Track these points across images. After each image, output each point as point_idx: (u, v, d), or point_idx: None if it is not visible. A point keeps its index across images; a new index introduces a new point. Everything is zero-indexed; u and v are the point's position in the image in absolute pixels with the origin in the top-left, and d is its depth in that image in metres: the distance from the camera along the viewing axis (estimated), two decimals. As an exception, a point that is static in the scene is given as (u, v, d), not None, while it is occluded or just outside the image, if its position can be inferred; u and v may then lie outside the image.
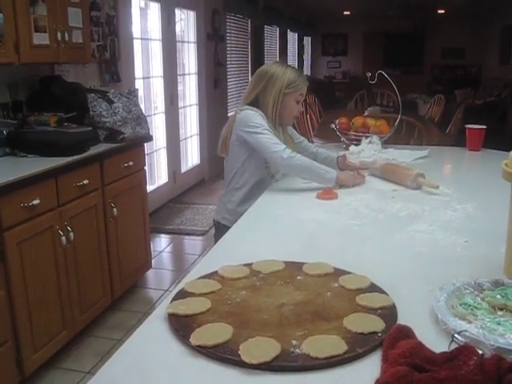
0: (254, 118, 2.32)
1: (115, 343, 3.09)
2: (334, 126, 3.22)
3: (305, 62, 15.21)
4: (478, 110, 9.10)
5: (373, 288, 1.23)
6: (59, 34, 3.17)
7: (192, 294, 1.21)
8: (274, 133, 2.34)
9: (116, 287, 3.42)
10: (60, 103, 3.36)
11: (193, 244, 4.89)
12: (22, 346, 2.55)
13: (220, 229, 2.43)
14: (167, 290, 3.87)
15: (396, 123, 3.17)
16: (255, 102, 2.41)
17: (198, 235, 4.98)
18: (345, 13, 13.81)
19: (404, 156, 2.85)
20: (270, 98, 2.37)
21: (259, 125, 2.30)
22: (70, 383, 2.77)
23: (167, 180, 6.04)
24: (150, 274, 4.10)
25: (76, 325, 2.99)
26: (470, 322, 1.04)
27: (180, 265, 4.51)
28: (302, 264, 1.37)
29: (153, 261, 4.09)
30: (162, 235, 5.04)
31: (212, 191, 6.52)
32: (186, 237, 4.99)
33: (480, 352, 0.91)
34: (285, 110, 2.42)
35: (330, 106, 9.93)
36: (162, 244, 4.87)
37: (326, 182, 2.24)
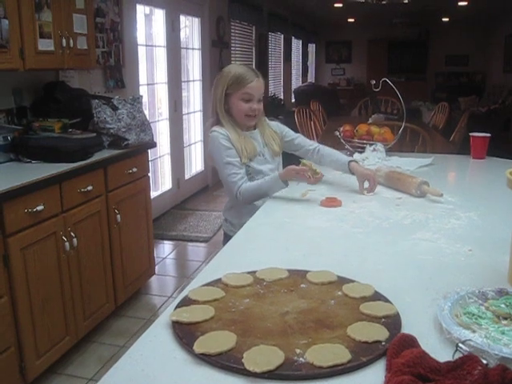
0: (218, 146, 2.29)
1: (118, 349, 3.09)
2: (338, 133, 3.22)
3: (309, 69, 15.25)
4: (483, 117, 9.11)
5: (377, 296, 1.22)
6: (64, 41, 3.18)
7: (196, 302, 1.21)
8: (238, 149, 2.30)
9: (119, 293, 3.42)
10: (64, 109, 3.38)
11: (196, 250, 4.89)
12: (25, 352, 2.55)
13: (227, 239, 2.44)
14: (170, 296, 3.87)
15: (400, 131, 3.17)
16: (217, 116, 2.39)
17: (202, 242, 4.98)
18: (349, 20, 13.85)
19: (408, 164, 2.84)
20: (217, 101, 2.33)
21: (220, 156, 2.28)
22: (73, 389, 2.77)
23: (171, 186, 6.05)
24: (154, 280, 4.10)
25: (79, 331, 2.99)
26: (474, 332, 1.04)
27: (183, 271, 4.51)
28: (305, 272, 1.36)
29: (156, 267, 4.09)
30: (166, 241, 5.04)
31: (216, 198, 6.52)
32: (190, 243, 4.99)
33: (484, 362, 0.91)
34: (233, 111, 2.35)
35: (334, 113, 9.94)
36: (165, 250, 4.87)
37: (278, 187, 2.23)
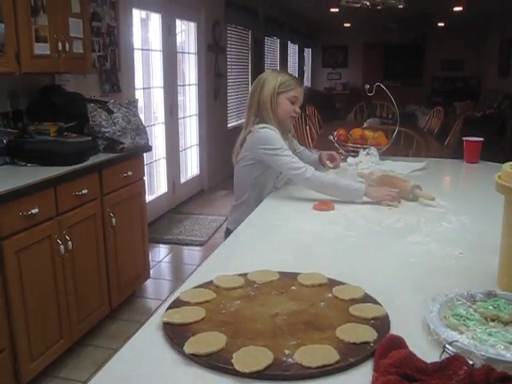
0: (274, 138, 2.36)
1: (113, 353, 3.07)
2: (332, 137, 3.24)
3: (305, 74, 15.27)
4: (478, 122, 9.14)
5: (366, 298, 1.24)
6: (60, 44, 3.19)
7: (187, 303, 1.22)
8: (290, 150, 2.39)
9: (114, 296, 3.42)
10: (60, 113, 3.38)
11: (191, 254, 4.89)
12: (20, 355, 2.55)
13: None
14: (165, 299, 3.85)
15: (394, 135, 3.19)
16: (260, 113, 2.44)
17: (197, 245, 4.99)
18: (345, 25, 13.88)
19: (401, 168, 2.86)
20: (267, 98, 2.41)
21: (279, 146, 2.34)
22: (67, 392, 2.77)
23: (166, 190, 6.05)
24: (149, 283, 4.10)
25: (74, 334, 2.99)
26: (461, 333, 1.05)
27: (178, 275, 4.51)
28: (296, 274, 1.37)
29: (151, 271, 4.09)
30: (161, 245, 5.04)
31: (211, 202, 6.53)
32: (185, 247, 5.00)
33: (470, 362, 0.92)
34: (279, 109, 2.44)
35: (331, 117, 9.94)
36: (160, 254, 4.87)
37: (353, 198, 2.20)
